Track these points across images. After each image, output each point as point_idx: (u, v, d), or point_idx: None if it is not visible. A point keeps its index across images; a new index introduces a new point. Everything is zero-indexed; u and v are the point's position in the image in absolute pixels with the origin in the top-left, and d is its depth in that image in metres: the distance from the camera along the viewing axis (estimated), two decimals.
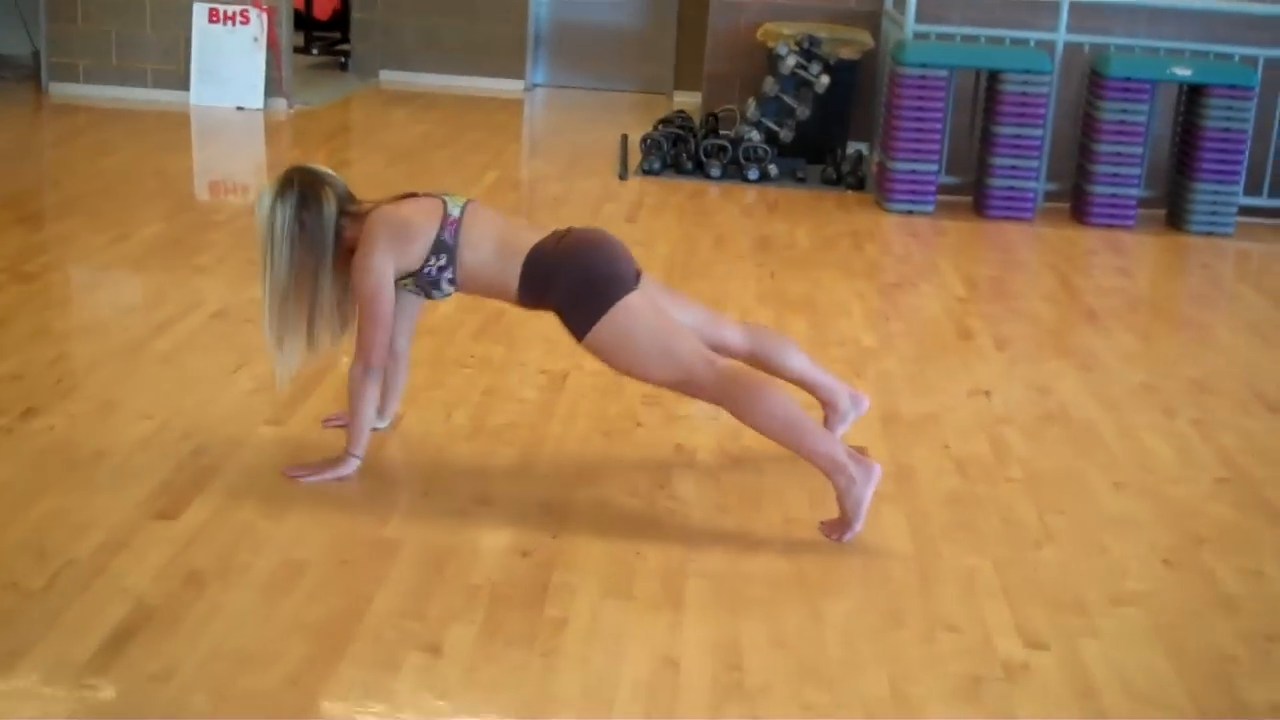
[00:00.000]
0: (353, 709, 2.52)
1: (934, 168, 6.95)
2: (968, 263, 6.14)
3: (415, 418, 3.84)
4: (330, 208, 3.42)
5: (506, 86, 10.21)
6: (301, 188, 3.41)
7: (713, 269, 5.67)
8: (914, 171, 6.91)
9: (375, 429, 3.64)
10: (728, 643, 2.83)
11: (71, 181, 6.53)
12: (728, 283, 5.47)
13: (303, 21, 10.46)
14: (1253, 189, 7.21)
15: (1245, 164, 6.93)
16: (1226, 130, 6.81)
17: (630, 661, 2.74)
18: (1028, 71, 6.81)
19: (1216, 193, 6.87)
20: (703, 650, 2.80)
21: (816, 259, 5.94)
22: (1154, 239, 6.83)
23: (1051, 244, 6.58)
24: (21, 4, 9.17)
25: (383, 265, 3.37)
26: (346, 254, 3.44)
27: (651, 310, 3.37)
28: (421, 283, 3.43)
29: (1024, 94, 6.83)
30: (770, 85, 7.53)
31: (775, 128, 7.53)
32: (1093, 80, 6.97)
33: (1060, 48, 7.13)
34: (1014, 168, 6.92)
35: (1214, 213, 6.89)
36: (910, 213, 6.93)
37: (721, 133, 7.69)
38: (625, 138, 8.22)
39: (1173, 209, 7.09)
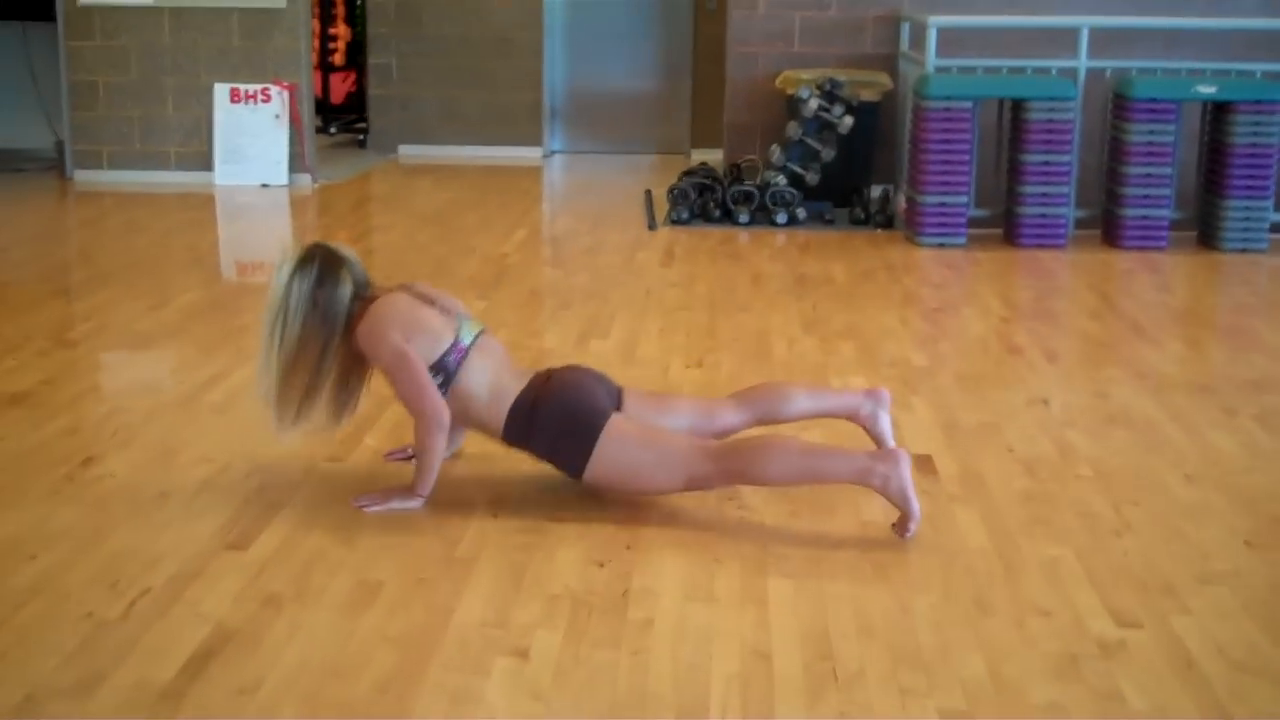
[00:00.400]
0: (447, 712, 2.47)
1: (964, 199, 6.95)
2: (1006, 287, 6.13)
3: (475, 440, 3.80)
4: (346, 289, 3.43)
5: (525, 154, 10.27)
6: (322, 265, 3.42)
7: (753, 304, 5.66)
8: (944, 205, 6.91)
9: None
10: (817, 634, 2.79)
11: (103, 257, 6.56)
12: (770, 316, 5.45)
13: (319, 106, 10.54)
14: None
15: (1275, 179, 6.91)
16: (1254, 145, 6.81)
17: (720, 657, 2.70)
18: (1052, 98, 6.83)
19: (1248, 209, 6.86)
20: (792, 643, 2.75)
21: (855, 291, 5.93)
22: (1188, 258, 6.81)
23: (1087, 267, 6.56)
24: (44, 95, 9.27)
25: (395, 337, 3.36)
26: (354, 337, 3.44)
27: (635, 429, 3.39)
28: (436, 373, 3.41)
29: (1050, 121, 6.84)
30: (794, 129, 7.56)
31: (801, 171, 7.55)
32: (1117, 103, 6.99)
33: (1083, 74, 7.15)
34: (1044, 195, 6.92)
35: (1246, 229, 6.88)
36: (942, 245, 6.92)
37: (746, 181, 7.71)
38: (649, 192, 8.25)
39: (1204, 228, 7.08)
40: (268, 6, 8.67)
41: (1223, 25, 7.47)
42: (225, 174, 8.71)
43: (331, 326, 3.39)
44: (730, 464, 3.32)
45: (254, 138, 8.71)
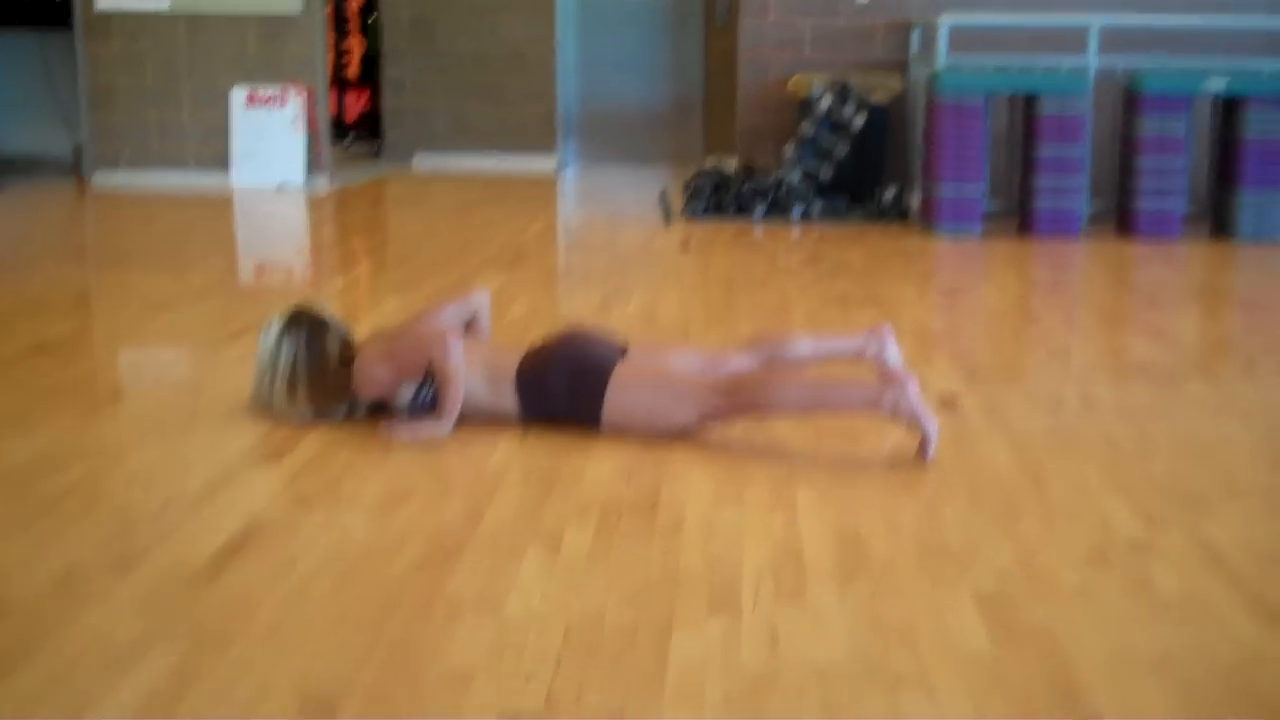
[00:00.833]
0: (481, 588, 2.49)
1: (978, 190, 6.99)
2: (1023, 269, 6.16)
3: None
4: (331, 347, 3.50)
5: (539, 164, 10.34)
6: (309, 329, 3.50)
7: (771, 281, 5.70)
8: (959, 195, 6.96)
9: None
10: (847, 533, 2.80)
11: (123, 241, 6.61)
12: (788, 290, 5.48)
13: (333, 124, 10.61)
14: None
15: None
16: (1265, 139, 6.85)
17: (751, 550, 2.71)
18: (1064, 92, 6.89)
19: (1261, 199, 6.90)
20: (822, 539, 2.76)
21: (873, 270, 5.96)
22: (1203, 246, 6.84)
23: (1102, 254, 6.59)
24: (63, 102, 9.35)
25: (379, 371, 3.45)
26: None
27: (643, 371, 3.44)
28: (417, 408, 3.46)
29: (1061, 115, 6.90)
30: (807, 127, 7.62)
31: (814, 168, 7.60)
32: (1128, 98, 7.05)
33: (1093, 72, 7.20)
34: (1057, 187, 6.96)
35: (1260, 218, 6.91)
36: (958, 236, 6.95)
37: (760, 178, 7.76)
38: (664, 191, 8.30)
39: (1217, 220, 7.12)
40: (283, 13, 8.76)
41: (1232, 24, 7.54)
42: (242, 175, 8.78)
43: (318, 385, 3.47)
44: (740, 396, 3.35)
45: (270, 141, 8.78)
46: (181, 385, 3.91)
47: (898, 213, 7.50)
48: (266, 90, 8.78)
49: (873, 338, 3.70)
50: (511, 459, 3.26)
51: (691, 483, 3.10)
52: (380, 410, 3.52)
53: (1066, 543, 2.76)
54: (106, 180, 8.85)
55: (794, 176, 7.57)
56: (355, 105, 11.53)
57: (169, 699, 2.04)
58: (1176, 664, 2.23)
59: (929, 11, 7.91)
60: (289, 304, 3.60)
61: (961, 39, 7.41)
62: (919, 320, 4.92)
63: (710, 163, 8.42)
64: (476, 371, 3.47)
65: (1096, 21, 7.29)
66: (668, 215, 7.55)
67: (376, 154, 10.74)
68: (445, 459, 3.26)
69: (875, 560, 2.66)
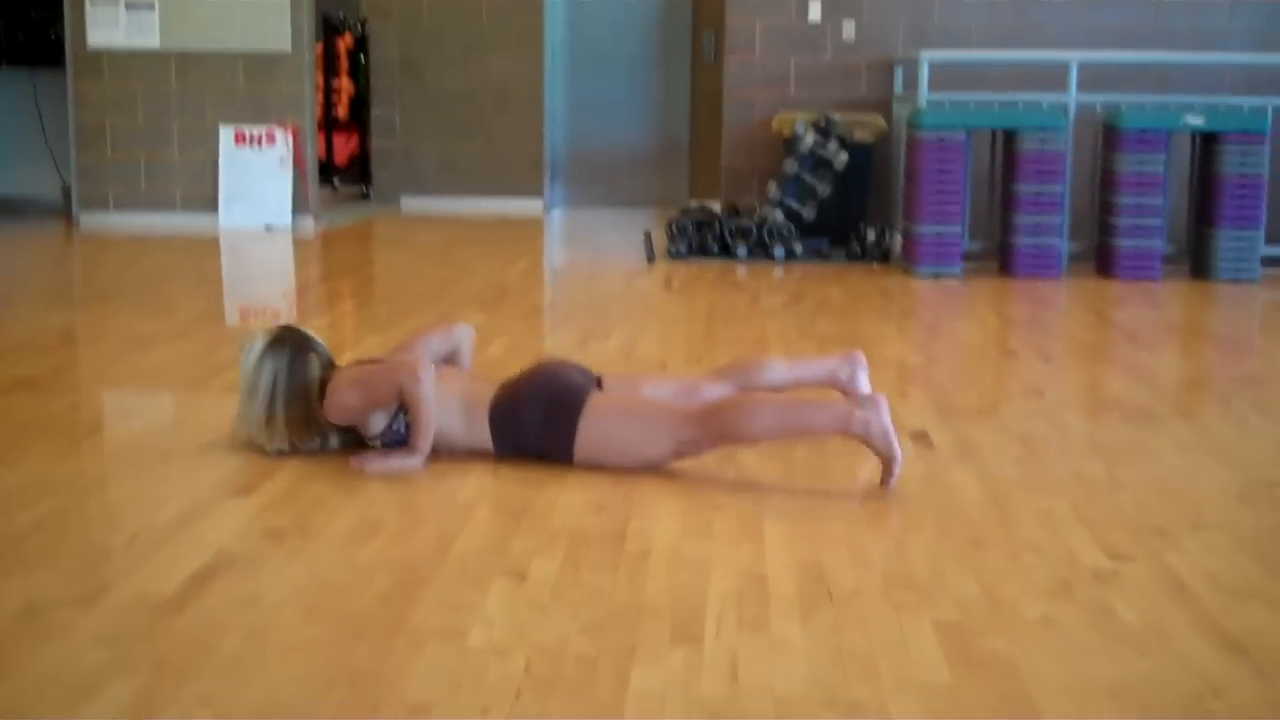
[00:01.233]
0: (446, 619, 2.49)
1: (958, 230, 7.04)
2: (1001, 307, 6.19)
3: None
4: (313, 371, 3.51)
5: (525, 206, 10.38)
6: (292, 349, 3.51)
7: (751, 317, 5.72)
8: (939, 234, 7.00)
9: None
10: (811, 564, 2.81)
11: (107, 281, 6.63)
12: (767, 326, 5.51)
13: (323, 167, 10.65)
14: (1273, 238, 7.28)
15: (1265, 210, 7.00)
16: (1243, 176, 6.91)
17: (717, 579, 2.72)
18: (1043, 128, 6.94)
19: (1239, 238, 6.95)
20: (787, 569, 2.78)
21: (852, 308, 6.00)
22: (1181, 286, 6.88)
23: (1081, 292, 6.63)
24: (52, 143, 9.39)
25: (349, 397, 3.45)
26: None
27: (616, 402, 3.45)
28: (389, 441, 3.48)
29: (1041, 151, 6.95)
30: (790, 165, 7.67)
31: (798, 207, 7.64)
32: (1107, 135, 7.10)
33: (1073, 109, 7.26)
34: (1037, 224, 7.01)
35: (1238, 259, 6.96)
36: (938, 276, 6.99)
37: (744, 217, 7.80)
38: (649, 232, 8.34)
39: (1197, 260, 7.16)
40: (272, 51, 8.82)
41: (1209, 60, 7.62)
42: (230, 215, 8.81)
43: (301, 402, 3.47)
44: (714, 424, 3.35)
45: (258, 180, 8.82)
46: (157, 421, 3.93)
47: (880, 253, 7.54)
48: (254, 129, 8.82)
49: (845, 363, 3.74)
50: (483, 491, 3.28)
51: (660, 514, 3.11)
52: (356, 444, 3.54)
53: (1031, 574, 2.78)
54: (94, 221, 8.88)
55: (777, 216, 7.61)
56: (345, 147, 11.58)
57: None
58: (1135, 693, 2.24)
59: (912, 49, 7.97)
60: (273, 325, 3.61)
61: (943, 77, 7.47)
62: (895, 356, 4.95)
63: (695, 203, 8.46)
64: (453, 403, 3.48)
65: (1076, 58, 7.36)
66: (651, 255, 7.58)
67: (365, 195, 10.78)
68: (417, 492, 3.27)
69: (839, 591, 2.67)
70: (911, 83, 7.52)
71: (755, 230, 7.59)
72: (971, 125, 7.09)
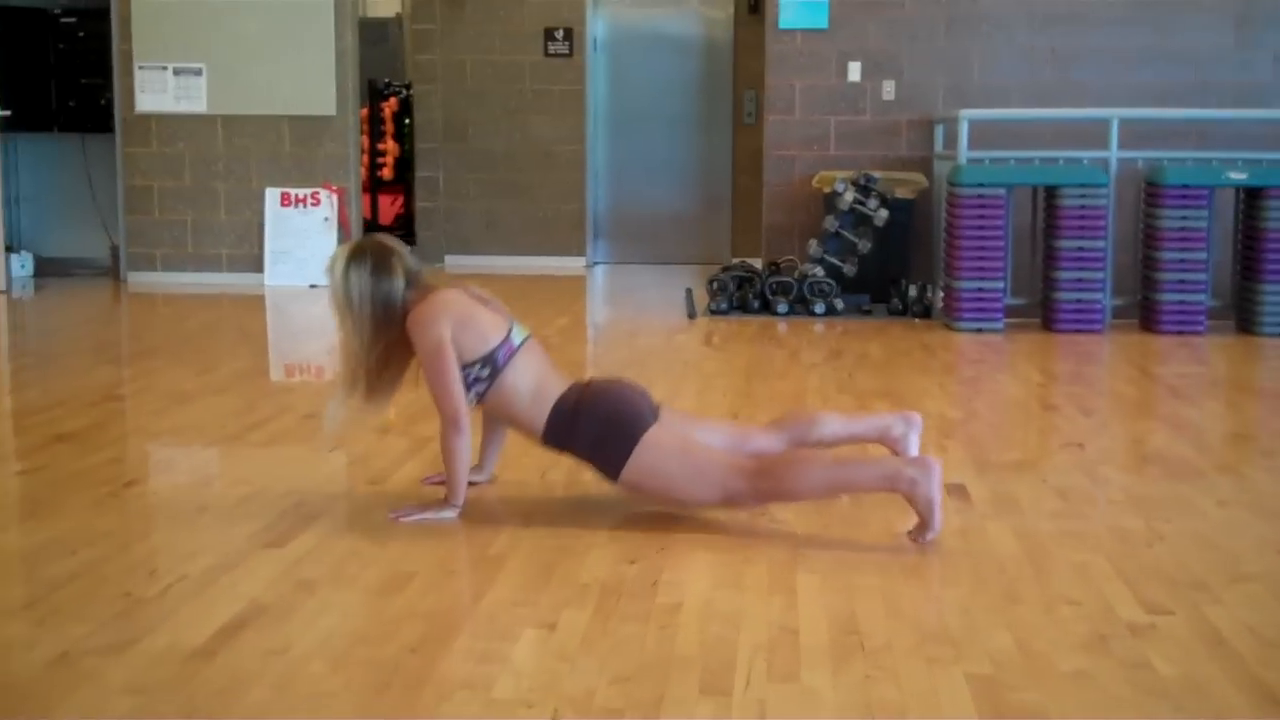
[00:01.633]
0: (473, 670, 2.49)
1: (999, 285, 7.01)
2: (1044, 362, 6.16)
3: (509, 475, 3.86)
4: (399, 279, 3.50)
5: (568, 264, 10.43)
6: (374, 257, 3.51)
7: (790, 372, 5.71)
8: (980, 290, 6.98)
9: (475, 481, 3.67)
10: (844, 616, 2.79)
11: (153, 337, 6.71)
12: (807, 380, 5.50)
13: (368, 226, 10.75)
14: None
15: None
16: None
17: (748, 631, 2.70)
18: (1084, 185, 6.92)
19: None
20: (819, 622, 2.76)
21: (892, 363, 5.98)
22: (1226, 341, 6.82)
23: (1124, 347, 6.58)
24: (101, 204, 9.53)
25: (442, 325, 3.43)
26: (406, 323, 3.51)
27: (674, 440, 3.44)
28: (476, 375, 3.49)
29: (1083, 207, 6.93)
30: (830, 222, 7.68)
31: (838, 263, 7.64)
32: (1149, 191, 7.07)
33: (1114, 165, 7.24)
34: (1079, 280, 6.97)
35: None
36: (980, 330, 6.96)
37: (784, 274, 7.81)
38: (690, 289, 8.36)
39: (1241, 314, 7.10)
40: (318, 114, 8.93)
41: (1251, 116, 7.57)
42: (275, 275, 8.90)
43: (389, 311, 3.46)
44: (764, 483, 3.36)
45: (303, 239, 8.91)
46: (194, 475, 3.96)
47: (921, 309, 7.52)
48: (300, 191, 8.92)
49: (900, 421, 3.72)
50: (516, 543, 3.27)
51: (693, 566, 3.10)
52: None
53: (1066, 628, 2.74)
54: (142, 281, 8.99)
55: (818, 272, 7.61)
56: (390, 207, 11.70)
57: None
58: None
59: (952, 108, 7.98)
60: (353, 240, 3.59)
61: (983, 134, 7.47)
62: (935, 411, 4.92)
63: (736, 261, 8.47)
64: (528, 380, 3.48)
65: (1117, 115, 7.34)
66: (692, 311, 7.59)
67: None
68: (449, 544, 3.28)
69: (871, 644, 2.64)
70: (952, 141, 7.53)
71: (796, 286, 7.59)
72: (1012, 183, 7.08)
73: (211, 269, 9.03)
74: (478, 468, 3.76)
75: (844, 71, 8.47)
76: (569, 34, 10.38)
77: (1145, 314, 7.14)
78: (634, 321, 7.44)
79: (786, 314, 7.54)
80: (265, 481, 3.82)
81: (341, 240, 8.85)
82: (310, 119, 8.96)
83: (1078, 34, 8.26)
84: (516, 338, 3.52)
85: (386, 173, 11.42)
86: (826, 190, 7.92)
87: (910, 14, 8.39)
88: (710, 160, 10.67)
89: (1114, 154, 7.26)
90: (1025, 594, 2.95)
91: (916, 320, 7.45)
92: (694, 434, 3.56)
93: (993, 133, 7.67)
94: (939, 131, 8.16)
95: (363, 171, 10.13)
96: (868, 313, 7.63)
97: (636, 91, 10.67)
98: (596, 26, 10.51)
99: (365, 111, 10.73)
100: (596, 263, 10.74)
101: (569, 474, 3.94)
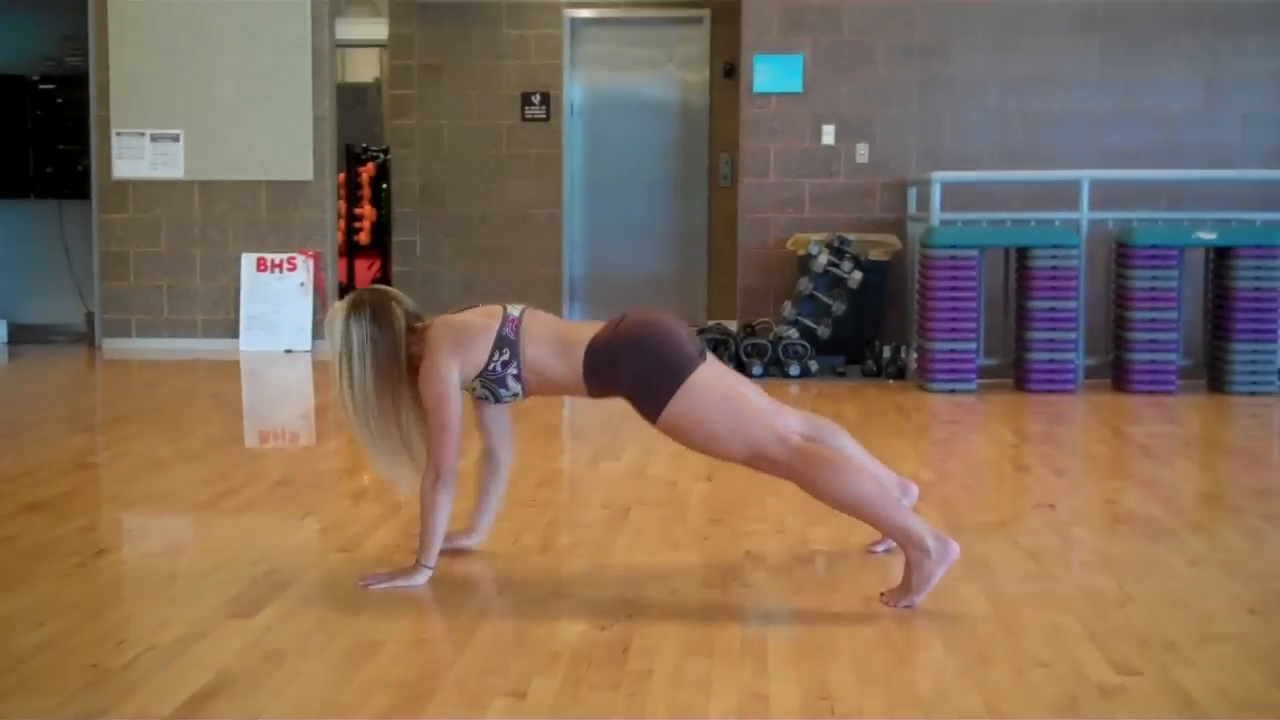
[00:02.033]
0: None
1: (972, 346, 7.05)
2: (1016, 422, 6.18)
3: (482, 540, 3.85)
4: (400, 324, 3.51)
5: None
6: (372, 306, 3.51)
7: None
8: (953, 351, 7.01)
9: (465, 546, 3.68)
10: (815, 683, 2.79)
11: (126, 404, 6.68)
12: None
13: (343, 291, 10.77)
14: None
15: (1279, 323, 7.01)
16: (1257, 290, 6.93)
17: (718, 698, 2.70)
18: (1056, 246, 6.98)
19: (1255, 352, 6.94)
20: (790, 688, 2.75)
21: (866, 424, 5.99)
22: (1198, 399, 6.86)
23: (1097, 406, 6.61)
24: (76, 271, 9.53)
25: (447, 370, 3.44)
26: (415, 369, 3.51)
27: (720, 386, 3.39)
28: (489, 382, 3.49)
29: (1054, 268, 6.98)
30: (805, 284, 7.72)
31: (812, 325, 7.68)
32: (1120, 252, 7.13)
33: (1085, 226, 7.30)
34: (1052, 340, 7.01)
35: (1254, 372, 6.95)
36: (953, 391, 6.99)
37: (759, 336, 7.84)
38: None
39: (1213, 373, 7.15)
40: (295, 179, 8.96)
41: (1221, 177, 7.66)
42: (250, 340, 8.89)
43: (395, 361, 3.46)
44: (800, 464, 3.28)
45: (279, 305, 8.91)
46: (165, 543, 3.94)
47: (895, 370, 7.55)
48: (276, 256, 8.93)
49: (899, 486, 3.76)
50: (486, 610, 3.27)
51: (664, 632, 3.10)
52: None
53: (1036, 690, 2.75)
54: (117, 347, 8.98)
55: (792, 334, 7.64)
56: (367, 272, 11.71)
57: None
58: None
59: (925, 170, 8.05)
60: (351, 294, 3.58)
61: (956, 196, 7.54)
62: (909, 471, 4.91)
63: (711, 323, 8.51)
64: (548, 339, 3.46)
65: (1088, 176, 7.41)
66: None
67: None
68: (419, 612, 3.26)
69: (843, 708, 2.64)
70: (925, 203, 7.59)
71: (770, 348, 7.62)
72: (984, 244, 7.14)
73: (187, 334, 9.02)
74: (468, 530, 3.75)
75: (818, 135, 8.55)
76: (545, 98, 10.46)
77: (1117, 373, 7.19)
78: None
79: (761, 376, 7.56)
80: (236, 550, 3.80)
81: (317, 305, 8.87)
82: (287, 184, 8.98)
83: (1049, 96, 8.36)
84: (514, 311, 3.52)
85: (363, 237, 11.44)
86: (801, 252, 7.97)
87: (883, 78, 8.47)
88: (686, 223, 10.72)
89: (1085, 215, 7.33)
90: (996, 656, 2.95)
91: (891, 381, 7.48)
92: (739, 385, 3.51)
93: (965, 195, 7.73)
94: (912, 194, 8.22)
95: (339, 236, 10.16)
96: (842, 374, 7.66)
97: (613, 155, 10.73)
98: (573, 91, 10.59)
99: (342, 176, 10.77)
100: None
101: (542, 538, 3.94)
